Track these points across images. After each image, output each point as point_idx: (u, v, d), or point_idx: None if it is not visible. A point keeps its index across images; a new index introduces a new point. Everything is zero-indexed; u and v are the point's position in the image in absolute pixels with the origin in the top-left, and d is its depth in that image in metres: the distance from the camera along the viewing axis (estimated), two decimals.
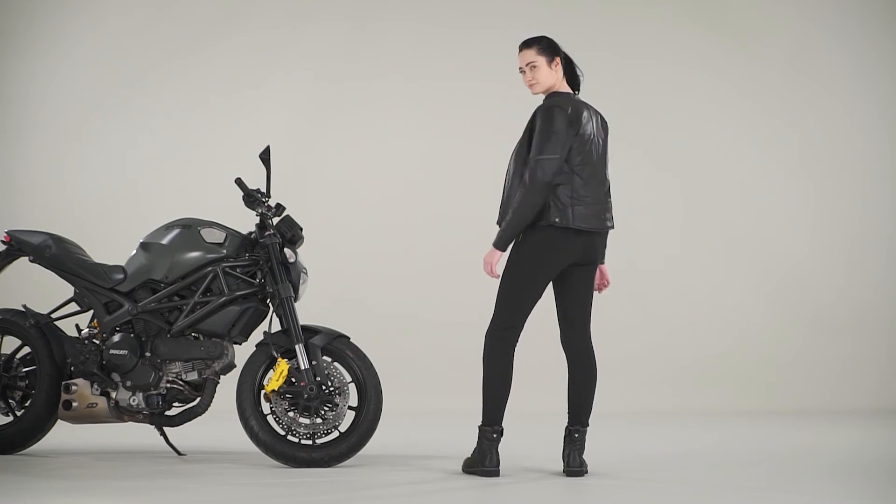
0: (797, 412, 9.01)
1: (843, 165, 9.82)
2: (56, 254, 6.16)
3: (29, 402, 6.15)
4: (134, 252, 6.15)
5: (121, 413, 6.05)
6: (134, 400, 6.00)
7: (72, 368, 6.07)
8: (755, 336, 9.62)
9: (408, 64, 9.91)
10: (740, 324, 9.65)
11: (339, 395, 5.86)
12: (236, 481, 5.35)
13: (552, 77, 5.48)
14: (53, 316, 6.24)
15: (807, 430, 7.90)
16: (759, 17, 9.89)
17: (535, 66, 5.47)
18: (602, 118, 5.56)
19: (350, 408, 5.90)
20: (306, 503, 4.80)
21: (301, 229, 6.06)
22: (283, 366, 5.79)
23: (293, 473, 5.57)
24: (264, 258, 5.96)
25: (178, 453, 6.19)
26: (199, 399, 6.02)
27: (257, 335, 6.06)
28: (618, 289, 9.72)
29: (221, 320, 5.97)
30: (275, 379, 5.78)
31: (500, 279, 5.46)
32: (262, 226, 6.01)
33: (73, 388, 6.01)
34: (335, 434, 5.90)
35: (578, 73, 5.58)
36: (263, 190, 6.07)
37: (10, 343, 6.28)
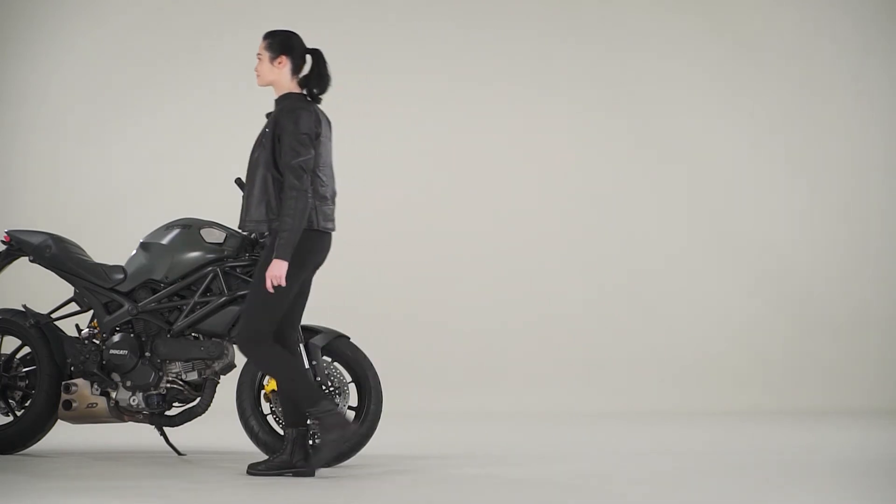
0: (797, 412, 9.01)
1: (839, 166, 9.83)
2: (56, 254, 6.16)
3: (29, 402, 6.15)
4: (134, 252, 6.15)
5: (121, 413, 6.05)
6: (134, 400, 6.00)
7: (72, 368, 6.07)
8: (755, 336, 9.62)
9: (409, 64, 9.90)
10: (740, 324, 9.65)
11: (339, 395, 5.86)
12: (236, 481, 5.36)
13: (273, 74, 5.53)
14: (53, 316, 6.24)
15: (806, 430, 7.90)
16: (758, 18, 9.88)
17: (259, 59, 5.57)
18: (329, 121, 5.60)
19: (350, 408, 5.91)
20: (306, 503, 4.80)
21: None
22: None
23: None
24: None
25: (178, 453, 6.19)
26: (199, 399, 6.02)
27: None
28: (618, 289, 9.77)
29: (221, 320, 5.97)
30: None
31: (256, 287, 5.38)
32: None
33: (73, 388, 6.01)
34: None
35: (328, 77, 5.58)
36: None
37: (10, 343, 6.28)
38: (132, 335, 6.02)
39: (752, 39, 9.88)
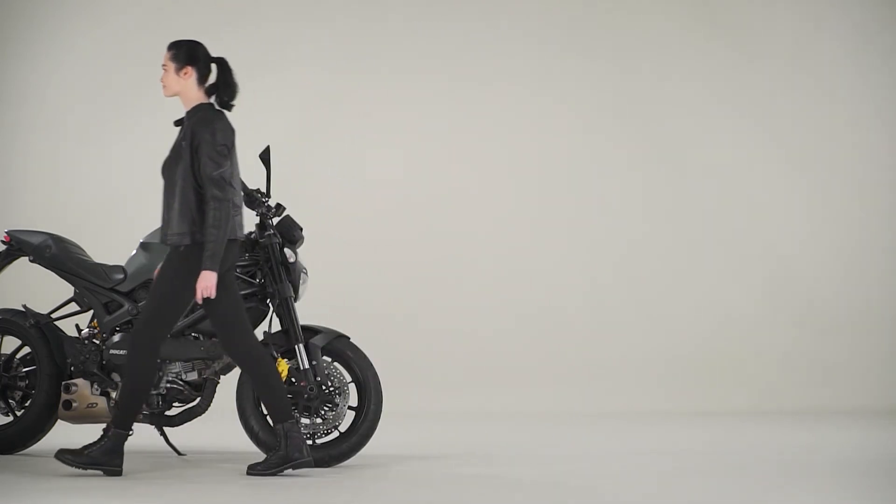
0: (797, 412, 9.01)
1: (841, 166, 9.83)
2: (56, 254, 6.16)
3: (29, 402, 6.16)
4: (134, 252, 6.16)
5: None
6: None
7: (72, 368, 6.08)
8: (755, 336, 9.62)
9: (409, 64, 9.90)
10: (740, 324, 9.65)
11: (339, 395, 5.86)
12: (236, 481, 5.36)
13: (179, 84, 5.60)
14: (53, 316, 6.25)
15: (806, 430, 7.90)
16: (759, 19, 9.89)
17: (165, 70, 5.63)
18: (234, 130, 5.60)
19: (350, 408, 5.91)
20: (306, 503, 4.80)
21: (301, 229, 6.07)
22: (283, 366, 5.80)
23: (293, 473, 5.57)
24: (264, 258, 5.96)
25: (178, 453, 6.19)
26: (199, 399, 6.02)
27: (257, 335, 6.06)
28: (617, 289, 9.77)
29: None
30: None
31: (159, 296, 5.42)
32: (262, 226, 6.01)
33: (73, 388, 6.01)
34: (335, 434, 5.91)
35: (235, 85, 5.62)
36: (263, 190, 6.08)
37: (10, 343, 6.28)
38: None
39: (753, 40, 9.87)
